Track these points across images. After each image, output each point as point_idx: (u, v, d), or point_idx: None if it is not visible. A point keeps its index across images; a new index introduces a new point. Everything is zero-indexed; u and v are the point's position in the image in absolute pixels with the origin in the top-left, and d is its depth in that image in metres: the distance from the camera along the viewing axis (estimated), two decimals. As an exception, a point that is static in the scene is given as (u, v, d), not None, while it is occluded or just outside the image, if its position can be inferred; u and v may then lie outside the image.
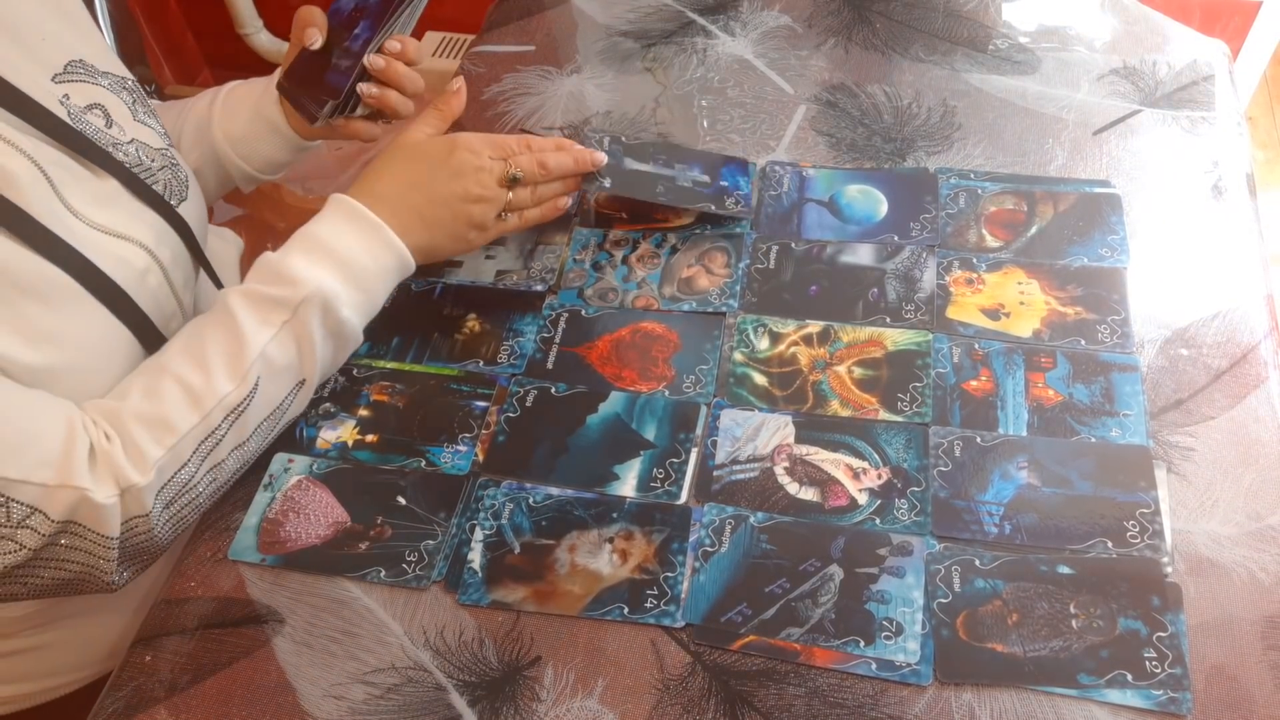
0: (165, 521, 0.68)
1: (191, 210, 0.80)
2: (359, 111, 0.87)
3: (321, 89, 0.85)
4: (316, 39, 0.83)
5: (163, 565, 0.79)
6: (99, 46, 0.78)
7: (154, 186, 0.76)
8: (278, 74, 0.87)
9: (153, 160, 0.77)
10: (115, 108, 0.76)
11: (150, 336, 0.72)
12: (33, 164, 0.66)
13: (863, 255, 0.86)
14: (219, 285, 0.85)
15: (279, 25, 2.05)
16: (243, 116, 0.89)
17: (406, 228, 0.77)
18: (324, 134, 0.90)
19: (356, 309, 0.75)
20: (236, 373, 0.68)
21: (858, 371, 0.79)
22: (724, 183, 0.92)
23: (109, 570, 0.66)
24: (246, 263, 1.26)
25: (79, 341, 0.67)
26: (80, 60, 0.75)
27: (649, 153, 0.93)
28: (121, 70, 0.79)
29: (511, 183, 0.80)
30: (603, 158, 0.86)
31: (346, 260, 0.74)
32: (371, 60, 0.82)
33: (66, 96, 0.72)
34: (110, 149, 0.73)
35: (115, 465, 0.64)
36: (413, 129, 0.81)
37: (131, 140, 0.76)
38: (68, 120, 0.71)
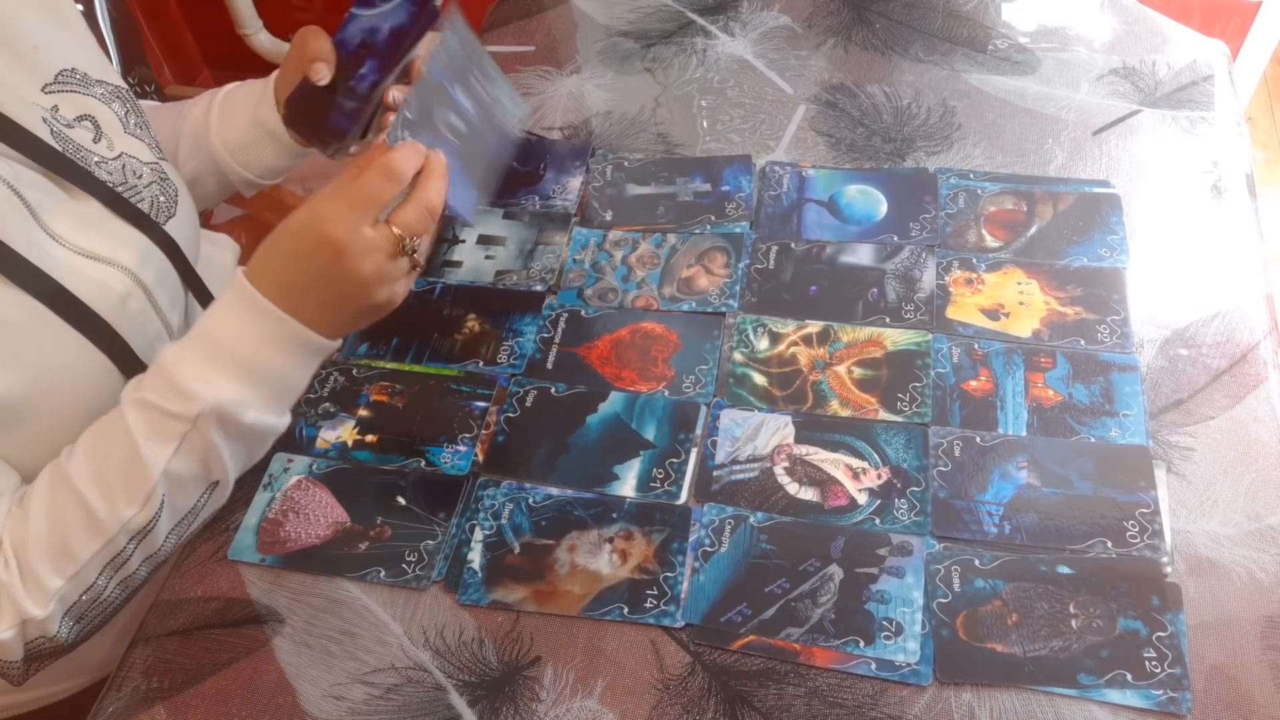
0: (75, 633, 0.66)
1: (180, 227, 0.78)
2: (366, 139, 0.85)
3: (325, 129, 0.82)
4: (325, 75, 0.80)
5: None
6: (94, 55, 0.77)
7: (140, 204, 0.75)
8: (273, 78, 0.87)
9: (140, 176, 0.76)
10: (105, 119, 0.75)
11: (130, 363, 0.71)
12: (9, 188, 0.66)
13: (862, 255, 0.86)
14: (211, 300, 0.84)
15: (279, 25, 2.05)
16: (241, 123, 0.87)
17: (316, 322, 0.67)
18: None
19: (267, 406, 0.68)
20: (138, 496, 0.64)
21: (857, 371, 0.79)
22: (726, 187, 0.92)
23: (15, 679, 0.66)
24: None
25: (53, 370, 0.66)
26: (73, 69, 0.74)
27: (650, 172, 0.94)
28: (116, 79, 0.79)
29: (411, 253, 0.67)
30: (441, 160, 0.69)
31: (247, 360, 0.66)
32: (392, 95, 0.80)
33: (55, 108, 0.72)
34: (94, 167, 0.72)
35: (14, 599, 0.62)
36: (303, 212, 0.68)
37: (119, 155, 0.75)
38: (50, 140, 0.70)
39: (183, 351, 0.65)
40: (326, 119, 0.82)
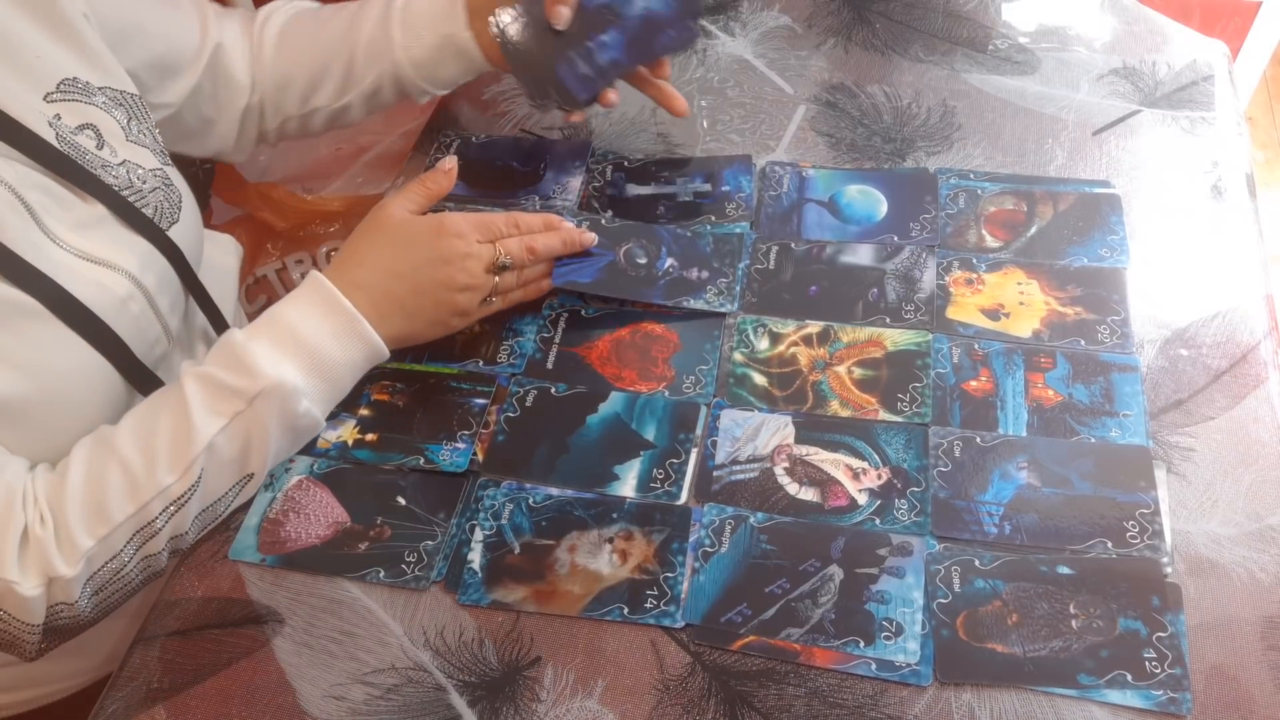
0: (93, 606, 0.67)
1: (184, 232, 0.78)
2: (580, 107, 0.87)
3: (544, 74, 0.81)
4: (566, 19, 0.80)
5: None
6: (97, 59, 0.76)
7: (144, 210, 0.75)
8: None
9: (144, 182, 0.75)
10: (108, 128, 0.74)
11: (129, 365, 0.71)
12: (10, 191, 0.65)
13: (863, 255, 0.86)
14: (212, 306, 0.84)
15: (279, 25, 2.05)
16: (428, 40, 0.87)
17: (385, 317, 0.74)
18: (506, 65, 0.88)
19: (319, 400, 0.73)
20: (180, 464, 0.66)
21: (857, 372, 0.79)
22: (726, 187, 0.92)
23: (30, 648, 0.66)
24: (247, 269, 1.25)
25: (51, 371, 0.66)
26: (74, 79, 0.73)
27: (650, 172, 0.94)
28: (120, 82, 0.77)
29: (500, 269, 0.78)
30: (592, 238, 0.82)
31: (314, 350, 0.71)
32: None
33: (58, 116, 0.71)
34: (99, 171, 0.72)
35: (45, 555, 0.63)
36: (393, 204, 0.78)
37: (123, 162, 0.74)
38: (55, 143, 0.70)
39: (253, 332, 0.70)
40: (551, 65, 0.81)
